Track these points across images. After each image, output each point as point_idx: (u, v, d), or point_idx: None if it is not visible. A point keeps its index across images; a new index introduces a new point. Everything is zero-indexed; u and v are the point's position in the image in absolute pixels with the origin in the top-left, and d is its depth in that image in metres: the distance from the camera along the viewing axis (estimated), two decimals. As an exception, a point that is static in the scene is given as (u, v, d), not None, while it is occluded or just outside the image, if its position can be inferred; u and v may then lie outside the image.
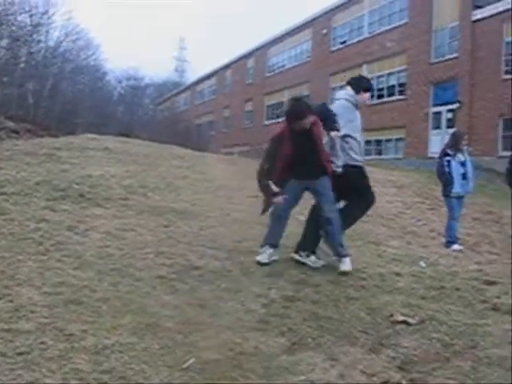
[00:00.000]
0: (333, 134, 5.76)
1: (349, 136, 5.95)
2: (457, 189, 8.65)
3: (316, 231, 6.01)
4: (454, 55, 25.18)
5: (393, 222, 9.31)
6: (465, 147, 9.08)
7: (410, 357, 3.94)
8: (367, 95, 6.38)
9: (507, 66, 22.73)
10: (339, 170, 5.80)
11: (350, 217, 6.14)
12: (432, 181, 12.20)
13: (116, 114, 50.13)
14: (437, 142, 23.05)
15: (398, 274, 5.82)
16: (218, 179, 12.24)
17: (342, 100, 6.19)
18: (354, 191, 6.04)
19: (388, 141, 29.45)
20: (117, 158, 11.87)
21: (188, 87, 62.61)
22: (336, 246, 5.83)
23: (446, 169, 8.67)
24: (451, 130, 24.45)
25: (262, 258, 5.75)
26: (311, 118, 5.64)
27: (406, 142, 27.57)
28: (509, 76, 22.45)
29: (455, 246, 8.28)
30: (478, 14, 23.86)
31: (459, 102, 24.35)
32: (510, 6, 22.18)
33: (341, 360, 3.76)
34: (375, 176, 14.70)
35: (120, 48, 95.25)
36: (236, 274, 5.28)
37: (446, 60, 25.65)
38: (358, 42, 32.26)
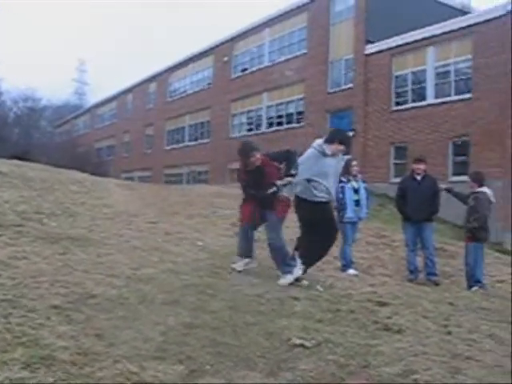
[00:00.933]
0: (286, 179, 6.82)
1: (311, 180, 6.92)
2: (349, 214, 8.86)
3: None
4: (349, 86, 26.28)
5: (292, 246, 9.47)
6: (359, 174, 9.35)
7: (307, 379, 4.03)
8: (335, 146, 7.04)
9: (397, 97, 24.01)
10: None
11: (313, 254, 7.22)
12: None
13: (11, 136, 48.03)
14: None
15: (295, 299, 5.96)
16: (117, 205, 12.06)
17: (311, 148, 7.19)
18: (316, 224, 7.04)
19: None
20: (11, 183, 11.43)
21: (88, 110, 61.32)
22: (278, 264, 6.97)
23: (340, 195, 8.80)
24: (346, 157, 25.62)
25: (238, 266, 7.06)
26: (256, 158, 6.82)
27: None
28: (398, 107, 23.72)
29: (350, 271, 8.53)
30: (371, 49, 25.11)
31: (354, 130, 25.35)
32: (398, 43, 23.53)
33: (240, 385, 3.80)
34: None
35: (17, 68, 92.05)
36: (133, 302, 5.19)
37: (342, 90, 26.73)
38: (259, 69, 32.97)
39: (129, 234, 8.76)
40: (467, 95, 20.97)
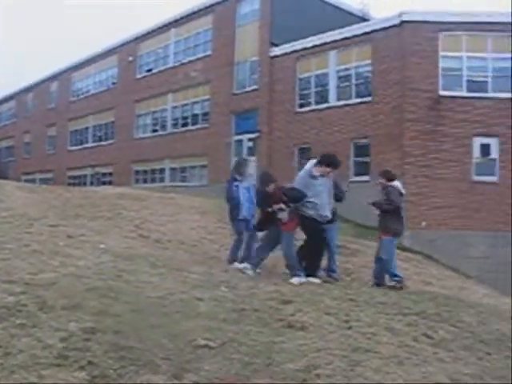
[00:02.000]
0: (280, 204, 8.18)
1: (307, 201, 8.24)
2: (244, 212, 9.10)
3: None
4: (254, 87, 26.54)
5: (196, 248, 9.50)
6: (249, 173, 9.60)
7: (212, 380, 4.05)
8: (322, 168, 8.41)
9: (301, 99, 24.53)
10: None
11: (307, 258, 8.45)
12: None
13: None
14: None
15: (199, 299, 5.95)
16: (16, 208, 11.59)
17: (302, 171, 8.79)
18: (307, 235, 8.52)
19: (193, 168, 30.05)
20: None
21: (-17, 109, 58.26)
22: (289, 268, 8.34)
23: (235, 194, 9.11)
24: (253, 158, 25.87)
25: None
26: (272, 187, 8.38)
27: (209, 168, 28.32)
28: (302, 109, 24.25)
29: (236, 264, 8.80)
30: (276, 51, 25.49)
31: (259, 131, 25.67)
32: (302, 46, 24.05)
33: (144, 389, 3.75)
34: (179, 202, 14.99)
35: None
36: (32, 309, 4.99)
37: (247, 92, 26.94)
38: (164, 70, 32.62)
39: (28, 237, 8.43)
40: (367, 98, 21.74)
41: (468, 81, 20.54)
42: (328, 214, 8.44)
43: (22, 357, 4.00)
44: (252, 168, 9.63)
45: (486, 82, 20.54)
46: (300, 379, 4.12)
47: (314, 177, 8.30)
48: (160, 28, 33.04)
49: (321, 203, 8.22)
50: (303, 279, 7.87)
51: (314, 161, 8.59)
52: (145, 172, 33.39)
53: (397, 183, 9.19)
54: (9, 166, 45.12)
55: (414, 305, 6.70)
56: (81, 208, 13.14)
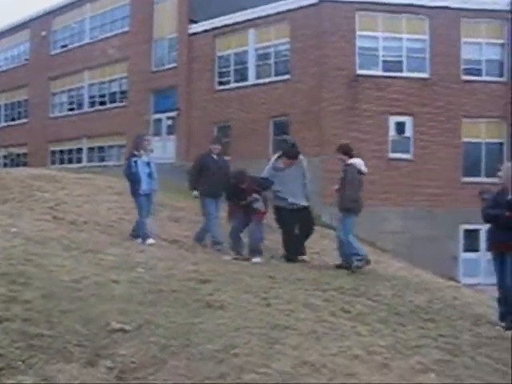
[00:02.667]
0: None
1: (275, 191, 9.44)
2: (144, 187, 9.06)
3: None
4: (173, 65, 26.10)
5: (112, 228, 9.26)
6: (149, 149, 9.63)
7: (128, 364, 3.94)
8: (284, 160, 9.50)
9: (220, 77, 24.34)
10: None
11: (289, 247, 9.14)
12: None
13: None
14: (158, 149, 23.65)
15: (115, 282, 5.78)
16: None
17: (267, 165, 9.67)
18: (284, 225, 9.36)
19: (111, 147, 29.33)
20: None
21: None
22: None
23: (134, 169, 9.08)
24: (172, 137, 25.53)
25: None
26: (246, 184, 8.99)
27: (127, 148, 27.69)
28: (221, 87, 24.08)
29: (149, 241, 8.80)
30: (194, 28, 25.11)
31: (178, 110, 25.33)
32: (221, 24, 23.81)
33: (56, 379, 3.59)
34: (96, 183, 14.57)
35: None
36: None
37: (166, 69, 26.47)
38: (80, 46, 31.50)
39: None
40: (286, 77, 21.82)
41: (384, 60, 21.00)
42: (298, 201, 9.23)
43: None
44: (151, 144, 9.60)
45: (401, 61, 21.07)
46: (218, 359, 4.08)
47: (278, 169, 9.31)
48: (75, 2, 31.80)
49: (287, 191, 9.15)
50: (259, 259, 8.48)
51: (276, 154, 9.77)
52: (61, 152, 32.33)
53: (356, 160, 8.97)
54: None
55: (332, 280, 6.80)
56: (-9, 190, 12.53)
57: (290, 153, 9.50)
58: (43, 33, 33.45)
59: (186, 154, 24.39)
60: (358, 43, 20.68)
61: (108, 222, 9.80)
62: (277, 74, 22.39)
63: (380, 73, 20.84)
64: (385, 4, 20.49)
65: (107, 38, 29.79)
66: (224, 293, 5.75)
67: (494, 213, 6.48)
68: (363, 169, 8.93)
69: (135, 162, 9.14)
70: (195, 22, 25.10)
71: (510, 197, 6.34)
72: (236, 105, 23.16)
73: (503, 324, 6.20)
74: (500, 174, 6.53)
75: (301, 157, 9.60)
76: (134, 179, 9.11)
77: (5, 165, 34.50)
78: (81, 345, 4.12)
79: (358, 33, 20.67)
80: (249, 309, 5.29)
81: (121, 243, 8.41)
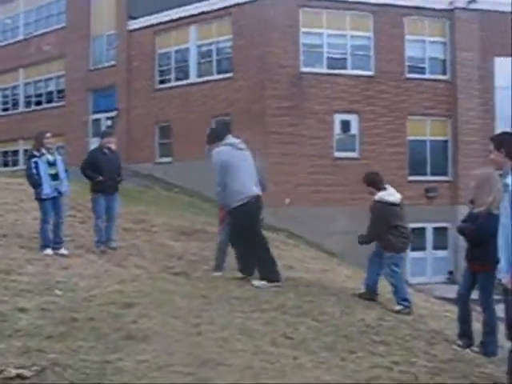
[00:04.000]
0: None
1: None
2: (46, 190, 8.20)
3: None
4: (112, 63, 25.12)
5: (35, 241, 8.37)
6: (54, 147, 8.77)
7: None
8: None
9: (160, 76, 23.52)
10: None
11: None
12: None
13: None
14: (97, 150, 22.66)
15: (22, 310, 5.00)
16: None
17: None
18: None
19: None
20: None
21: None
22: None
23: (34, 170, 8.25)
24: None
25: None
26: None
27: (66, 150, 26.50)
28: (162, 86, 23.26)
29: (47, 251, 8.03)
30: (134, 25, 24.19)
31: (117, 109, 24.39)
32: (161, 20, 22.98)
33: None
34: (28, 188, 13.51)
35: None
36: None
37: (105, 67, 25.47)
38: (13, 43, 30.05)
39: None
40: (228, 74, 21.20)
41: (328, 58, 20.63)
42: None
43: None
44: (53, 141, 8.74)
45: (346, 59, 20.74)
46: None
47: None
48: (7, -4, 30.34)
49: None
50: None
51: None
52: (-1, 154, 30.84)
53: (383, 193, 7.30)
54: None
55: (273, 297, 6.16)
56: None
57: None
58: (-27, 28, 31.80)
59: (126, 155, 23.43)
60: (302, 40, 20.25)
61: (32, 233, 8.89)
62: (219, 72, 21.80)
63: (324, 70, 20.50)
64: (329, 0, 20.10)
65: (43, 34, 28.48)
66: (150, 319, 5.04)
67: (460, 226, 6.06)
68: (392, 199, 7.31)
69: (35, 162, 8.27)
70: (134, 19, 24.19)
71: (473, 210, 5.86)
72: (177, 104, 22.46)
73: (461, 342, 5.73)
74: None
75: None
76: (33, 182, 8.25)
77: None
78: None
79: (302, 29, 20.26)
80: (176, 339, 4.60)
81: (42, 259, 7.57)
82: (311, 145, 19.73)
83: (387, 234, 7.09)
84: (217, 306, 5.64)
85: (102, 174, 8.86)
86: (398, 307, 6.84)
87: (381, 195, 7.24)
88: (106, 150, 9.21)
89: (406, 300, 7.02)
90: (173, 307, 5.49)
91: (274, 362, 4.26)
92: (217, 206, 18.47)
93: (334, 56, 20.71)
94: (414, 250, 19.80)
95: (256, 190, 7.15)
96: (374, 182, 7.48)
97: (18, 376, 3.70)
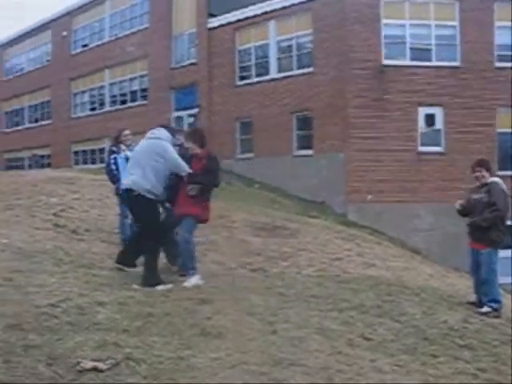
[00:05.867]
0: None
1: None
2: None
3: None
4: (193, 61, 25.42)
5: (116, 236, 8.52)
6: (134, 143, 8.59)
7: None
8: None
9: (241, 72, 23.56)
10: None
11: None
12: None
13: None
14: (179, 147, 23.01)
15: (101, 304, 5.04)
16: None
17: None
18: None
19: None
20: None
21: None
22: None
23: (113, 166, 8.43)
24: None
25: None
26: None
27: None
28: (243, 82, 23.29)
29: None
30: (214, 22, 24.38)
31: (199, 106, 24.66)
32: (241, 17, 23.04)
33: None
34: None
35: None
36: None
37: (186, 66, 25.80)
38: (100, 45, 31.08)
39: None
40: (309, 69, 20.94)
41: (412, 49, 19.96)
42: None
43: None
44: (131, 138, 8.75)
45: (430, 50, 20.01)
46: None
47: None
48: (94, 0, 31.37)
49: None
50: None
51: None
52: (84, 152, 31.97)
53: (498, 179, 6.97)
54: None
55: (352, 296, 5.95)
56: (-1, 195, 11.97)
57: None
58: (64, 33, 33.13)
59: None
60: (384, 32, 19.66)
61: (114, 228, 9.07)
62: (299, 67, 21.52)
63: (408, 62, 19.79)
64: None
65: (127, 35, 29.25)
66: (224, 316, 4.97)
67: None
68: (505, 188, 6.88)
69: (114, 158, 8.49)
70: (214, 16, 24.36)
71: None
72: (257, 100, 22.36)
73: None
74: None
75: None
76: (112, 178, 8.46)
77: (29, 166, 34.32)
78: (39, 392, 3.40)
79: (384, 21, 19.65)
80: (250, 337, 4.50)
81: (121, 253, 7.67)
82: (394, 139, 19.15)
83: (495, 226, 6.66)
84: (293, 304, 5.49)
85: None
86: (486, 309, 6.44)
87: (499, 181, 6.88)
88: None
89: (495, 301, 6.61)
90: (249, 304, 5.40)
91: (350, 363, 4.07)
92: (299, 203, 18.49)
93: (418, 47, 19.99)
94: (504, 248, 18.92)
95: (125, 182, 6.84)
96: (489, 166, 7.13)
97: (94, 368, 3.72)
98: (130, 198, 6.61)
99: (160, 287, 6.00)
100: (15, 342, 4.02)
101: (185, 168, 6.54)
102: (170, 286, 6.10)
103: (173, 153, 6.67)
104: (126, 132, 8.76)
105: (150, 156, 6.62)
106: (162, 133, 6.94)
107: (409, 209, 18.69)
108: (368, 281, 6.94)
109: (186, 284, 6.12)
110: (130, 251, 6.78)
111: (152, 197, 6.41)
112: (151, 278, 6.13)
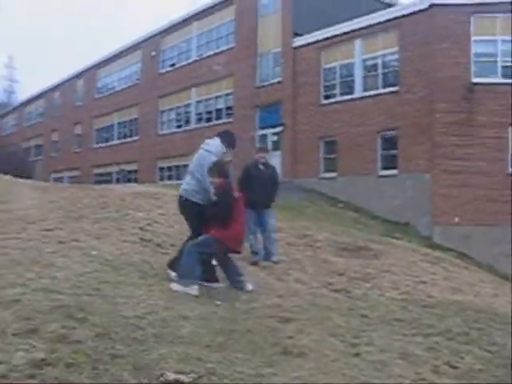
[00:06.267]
0: None
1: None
2: None
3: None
4: (278, 79, 25.64)
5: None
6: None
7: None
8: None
9: (325, 91, 23.51)
10: None
11: None
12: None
13: None
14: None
15: (185, 318, 5.12)
16: (17, 210, 10.91)
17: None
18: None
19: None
20: None
21: (16, 108, 58.53)
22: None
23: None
24: (277, 153, 24.92)
25: None
26: None
27: (233, 164, 27.43)
28: (327, 101, 23.23)
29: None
30: (298, 42, 24.53)
31: (283, 125, 24.78)
32: (326, 36, 23.06)
33: None
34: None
35: None
36: (-25, 335, 4.23)
37: (271, 84, 26.06)
38: (187, 64, 31.98)
39: (13, 244, 7.71)
40: (395, 88, 20.65)
41: (503, 66, 19.27)
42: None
43: None
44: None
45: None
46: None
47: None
48: (182, 21, 32.42)
49: None
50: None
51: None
52: (169, 168, 32.83)
53: None
54: (35, 165, 45.09)
55: (437, 321, 5.74)
56: (88, 209, 12.41)
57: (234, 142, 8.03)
58: (153, 53, 34.34)
59: (292, 170, 23.78)
60: (474, 49, 19.11)
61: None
62: (385, 86, 21.28)
63: (499, 80, 19.11)
64: (504, 3, 18.73)
65: (213, 55, 29.95)
66: (307, 335, 4.92)
67: None
68: None
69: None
70: (300, 35, 24.53)
71: None
72: (342, 119, 22.26)
73: None
74: None
75: None
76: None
77: (117, 180, 35.59)
78: (125, 401, 3.47)
79: (474, 38, 19.12)
80: (332, 358, 4.43)
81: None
82: (483, 160, 18.50)
83: None
84: (376, 327, 5.37)
85: (252, 189, 8.95)
86: None
87: None
88: (260, 166, 9.34)
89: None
90: (331, 325, 5.33)
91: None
92: (383, 223, 18.12)
93: (510, 64, 19.28)
94: None
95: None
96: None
97: (176, 381, 3.77)
98: (180, 204, 7.15)
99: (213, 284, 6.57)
100: (103, 350, 4.14)
101: (209, 195, 6.94)
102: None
103: (205, 175, 6.99)
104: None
105: (196, 167, 7.13)
106: (214, 144, 7.35)
107: (497, 232, 17.95)
108: (454, 306, 6.68)
109: (172, 285, 6.35)
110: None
111: (200, 202, 6.86)
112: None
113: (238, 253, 7.07)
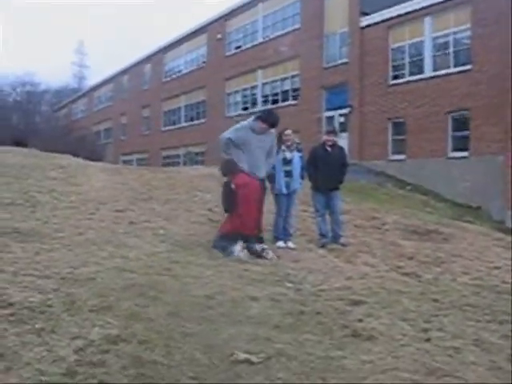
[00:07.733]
0: None
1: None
2: (279, 186, 8.60)
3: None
4: (345, 60, 25.28)
5: (269, 233, 8.67)
6: (294, 145, 8.88)
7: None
8: (260, 123, 8.03)
9: (394, 71, 23.00)
10: None
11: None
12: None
13: (11, 121, 46.89)
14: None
15: (254, 299, 5.15)
16: (89, 192, 11.26)
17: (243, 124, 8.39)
18: None
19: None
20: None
21: (86, 93, 60.30)
22: None
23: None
24: (344, 134, 24.64)
25: None
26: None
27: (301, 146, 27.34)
28: (395, 81, 22.73)
29: (279, 243, 8.40)
30: (366, 21, 24.05)
31: (350, 106, 24.45)
32: (395, 14, 22.50)
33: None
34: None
35: (13, 52, 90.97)
36: (57, 311, 4.38)
37: (337, 65, 25.72)
38: (253, 46, 31.96)
39: (87, 224, 7.98)
40: (467, 67, 19.96)
41: None
42: (260, 174, 8.01)
43: (25, 372, 3.40)
44: (292, 139, 8.98)
45: None
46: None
47: (254, 131, 8.00)
48: (248, 3, 32.32)
49: (248, 161, 7.88)
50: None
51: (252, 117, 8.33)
52: (236, 150, 32.96)
53: None
54: (106, 148, 46.33)
55: (514, 308, 5.56)
56: (158, 190, 12.68)
57: (268, 119, 8.07)
58: (219, 35, 34.48)
59: (359, 152, 23.50)
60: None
61: (266, 225, 9.23)
62: (456, 65, 20.59)
63: None
64: None
65: (279, 36, 29.78)
66: (376, 319, 4.87)
67: None
68: None
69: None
70: (367, 14, 24.04)
71: None
72: (411, 99, 21.74)
73: None
74: None
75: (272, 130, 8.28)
76: (270, 178, 8.59)
77: (184, 163, 36.10)
78: (196, 377, 3.54)
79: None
80: (403, 343, 4.36)
81: (276, 250, 7.82)
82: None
83: None
84: (448, 312, 5.24)
85: (319, 171, 8.94)
86: None
87: None
88: (328, 148, 9.20)
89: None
90: (401, 309, 5.25)
91: (509, 382, 3.80)
92: (453, 207, 17.62)
93: None
94: None
95: None
96: None
97: (246, 361, 3.81)
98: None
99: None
100: (174, 328, 4.24)
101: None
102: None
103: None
104: (288, 132, 8.83)
105: None
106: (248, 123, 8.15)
107: None
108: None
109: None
110: None
111: None
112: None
113: (252, 236, 7.51)
